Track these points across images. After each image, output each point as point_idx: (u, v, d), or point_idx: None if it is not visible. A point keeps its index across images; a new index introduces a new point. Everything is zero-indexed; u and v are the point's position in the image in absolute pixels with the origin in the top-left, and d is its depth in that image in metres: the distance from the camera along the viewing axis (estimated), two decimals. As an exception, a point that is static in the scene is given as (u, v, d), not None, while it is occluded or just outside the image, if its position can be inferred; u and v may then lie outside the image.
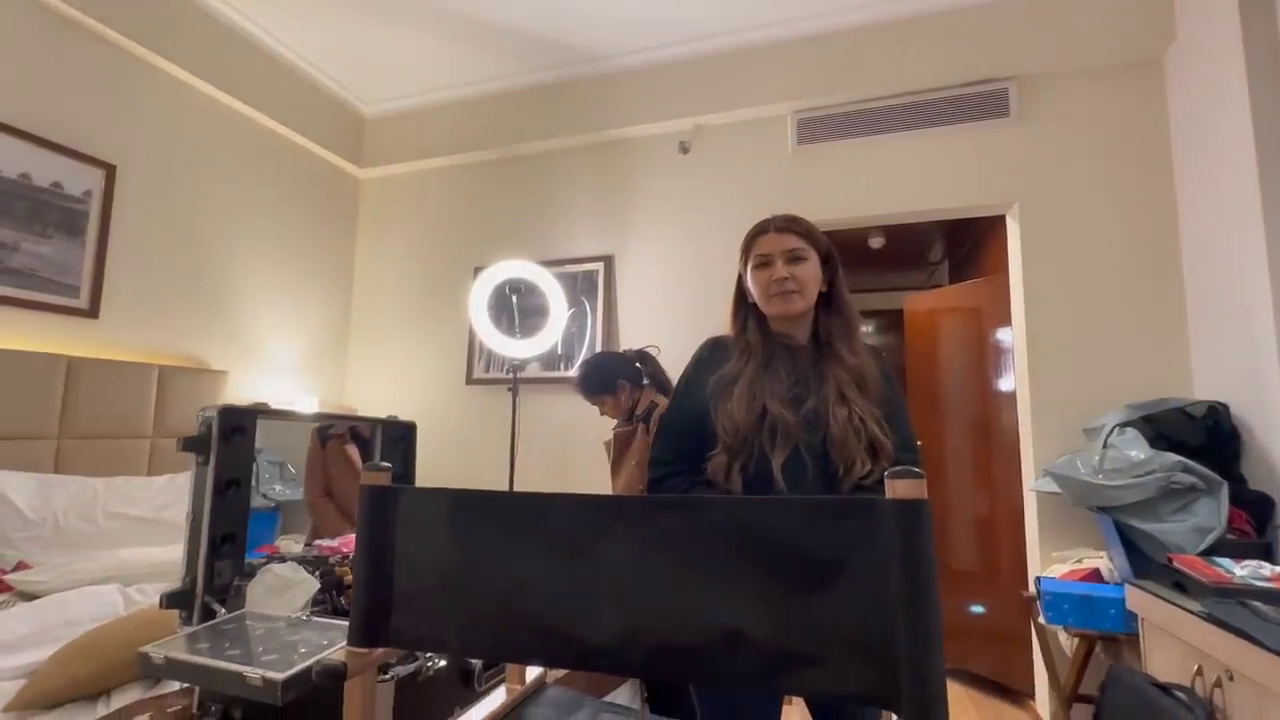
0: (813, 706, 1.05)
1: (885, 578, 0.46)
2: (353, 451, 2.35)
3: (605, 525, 0.55)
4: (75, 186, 2.27)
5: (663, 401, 1.95)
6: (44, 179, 2.18)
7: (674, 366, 2.04)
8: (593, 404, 2.15)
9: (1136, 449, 1.83)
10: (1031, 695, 2.46)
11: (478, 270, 2.93)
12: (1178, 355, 2.23)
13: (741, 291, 1.20)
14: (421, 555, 0.60)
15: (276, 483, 2.86)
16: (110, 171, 2.37)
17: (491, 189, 3.33)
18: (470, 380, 3.17)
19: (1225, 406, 1.97)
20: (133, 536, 2.03)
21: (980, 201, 2.54)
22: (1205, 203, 2.15)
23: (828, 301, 1.18)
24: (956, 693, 2.66)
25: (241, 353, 2.89)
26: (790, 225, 1.13)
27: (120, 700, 1.22)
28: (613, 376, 2.07)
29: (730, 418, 1.05)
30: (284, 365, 3.09)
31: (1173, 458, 1.76)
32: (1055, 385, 2.34)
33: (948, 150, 2.57)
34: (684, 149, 2.94)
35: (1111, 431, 1.95)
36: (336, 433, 2.33)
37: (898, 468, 0.47)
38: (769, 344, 1.15)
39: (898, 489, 0.46)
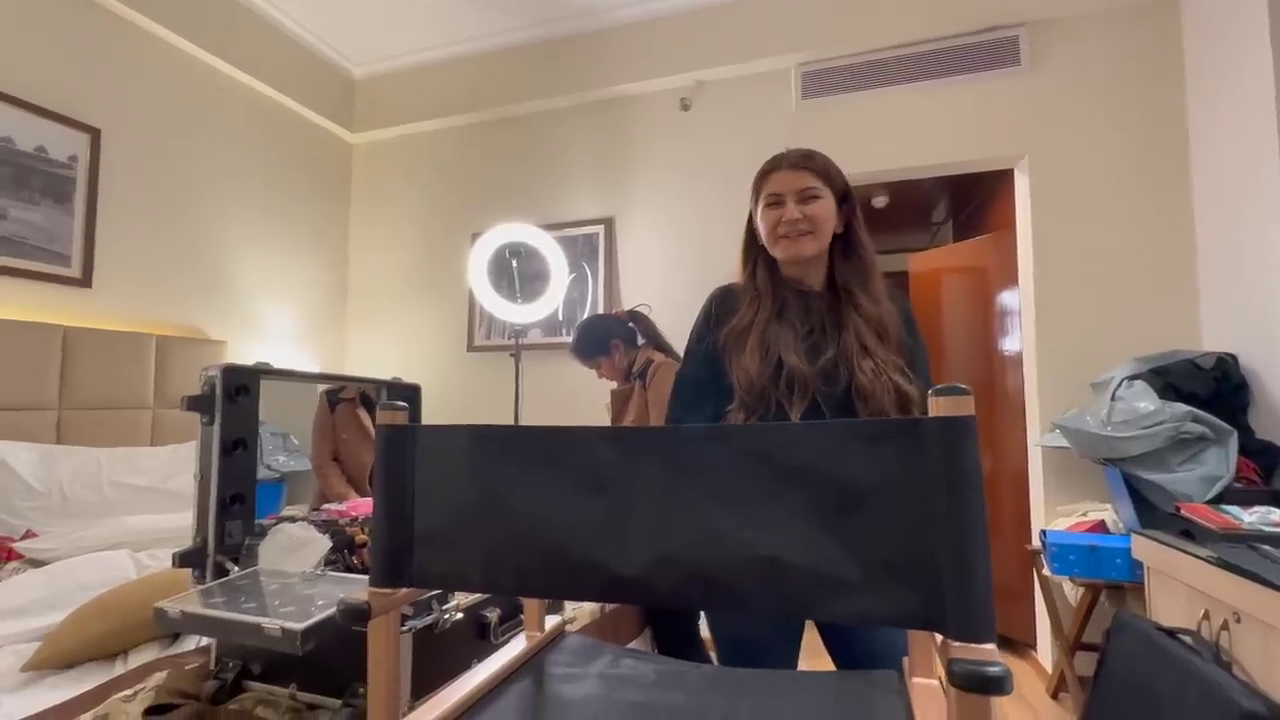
0: (830, 643, 1.05)
1: (929, 498, 0.45)
2: (364, 415, 2.34)
3: (631, 458, 0.54)
4: (60, 151, 2.21)
5: (658, 357, 1.94)
6: (27, 143, 2.12)
7: (677, 328, 2.02)
8: (589, 367, 2.12)
9: (1145, 400, 1.82)
10: (1034, 646, 2.50)
11: (475, 236, 2.88)
12: (1187, 307, 2.21)
13: (752, 234, 1.15)
14: (442, 493, 0.58)
15: (280, 454, 2.86)
16: (95, 135, 2.30)
17: (488, 152, 3.25)
18: (471, 347, 3.15)
19: (1234, 357, 1.96)
20: (138, 505, 2.03)
21: (989, 155, 2.48)
22: (1220, 150, 2.11)
23: (844, 245, 1.12)
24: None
25: (239, 322, 2.86)
26: (804, 161, 1.07)
27: (137, 660, 1.22)
28: (605, 337, 2.04)
29: (745, 371, 1.02)
30: (283, 334, 3.06)
31: (1182, 408, 1.76)
32: (1063, 341, 2.33)
33: (956, 103, 2.51)
34: (685, 106, 2.86)
35: (1120, 384, 1.94)
36: (346, 396, 2.32)
37: (942, 385, 0.45)
38: (779, 290, 1.10)
39: (942, 405, 0.44)
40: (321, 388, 2.46)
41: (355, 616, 0.55)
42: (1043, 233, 2.39)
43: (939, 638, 0.44)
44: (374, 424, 1.88)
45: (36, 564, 1.61)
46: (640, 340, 2.07)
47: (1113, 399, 1.90)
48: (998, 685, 0.39)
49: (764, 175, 1.11)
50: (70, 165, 2.23)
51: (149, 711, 0.93)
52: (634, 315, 2.12)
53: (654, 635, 1.74)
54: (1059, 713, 2.11)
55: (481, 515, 0.57)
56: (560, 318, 2.94)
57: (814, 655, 1.13)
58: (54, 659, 1.19)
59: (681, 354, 1.97)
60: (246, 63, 2.86)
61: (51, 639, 1.22)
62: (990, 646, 0.41)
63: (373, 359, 3.37)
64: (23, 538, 1.75)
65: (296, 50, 3.13)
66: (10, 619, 1.34)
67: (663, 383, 1.85)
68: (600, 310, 2.90)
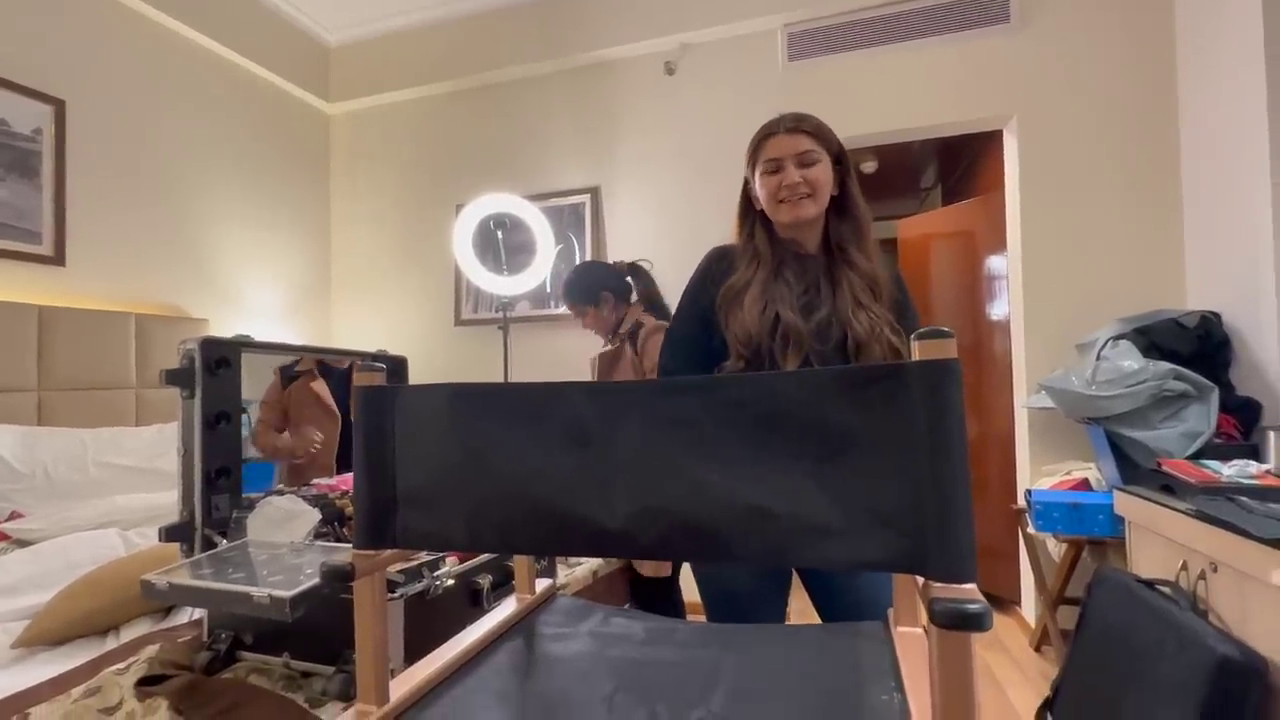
0: (816, 598, 1.07)
1: (912, 443, 0.45)
2: (320, 387, 2.22)
3: (614, 412, 0.53)
4: (23, 124, 2.13)
5: (649, 321, 1.85)
6: (-12, 116, 2.04)
7: (667, 297, 2.00)
8: (575, 315, 2.00)
9: (1129, 360, 1.84)
10: (1018, 603, 2.57)
11: (459, 208, 2.83)
12: (1172, 267, 2.22)
13: (748, 198, 1.15)
14: (423, 453, 0.58)
15: (270, 433, 2.84)
16: (60, 107, 2.22)
17: (468, 121, 3.18)
18: (459, 321, 3.12)
19: (1217, 315, 1.98)
20: (125, 485, 2.01)
21: (978, 115, 2.46)
22: (1209, 109, 2.10)
23: (839, 205, 1.13)
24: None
25: (220, 300, 2.81)
26: (800, 125, 1.07)
27: (129, 635, 1.22)
28: (597, 286, 1.93)
29: (742, 326, 1.02)
30: (266, 312, 3.01)
31: (1165, 366, 1.78)
32: (1049, 303, 2.34)
33: (944, 62, 2.47)
34: (670, 70, 2.80)
35: (1105, 345, 1.95)
36: (302, 369, 2.19)
37: (924, 329, 0.44)
38: (778, 251, 1.12)
39: (925, 349, 0.44)
40: (277, 364, 2.38)
41: (339, 577, 0.55)
42: (1031, 194, 2.38)
43: (921, 581, 0.44)
44: (331, 394, 1.82)
45: (24, 544, 1.60)
46: (634, 298, 1.97)
47: (1097, 359, 1.92)
48: (976, 622, 0.39)
49: (760, 141, 1.10)
50: (35, 139, 2.16)
51: (141, 682, 0.93)
52: (635, 269, 2.00)
53: (634, 604, 1.76)
54: (1041, 665, 2.18)
55: (464, 473, 0.56)
56: (548, 290, 2.91)
57: (801, 617, 1.15)
58: (44, 635, 1.19)
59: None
60: (215, 30, 2.76)
61: (41, 616, 1.21)
62: (971, 586, 0.42)
63: (359, 335, 3.33)
64: (8, 519, 1.73)
65: (268, 16, 3.02)
66: (1, 598, 1.34)
67: (655, 350, 1.81)
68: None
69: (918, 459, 0.44)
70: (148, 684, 0.94)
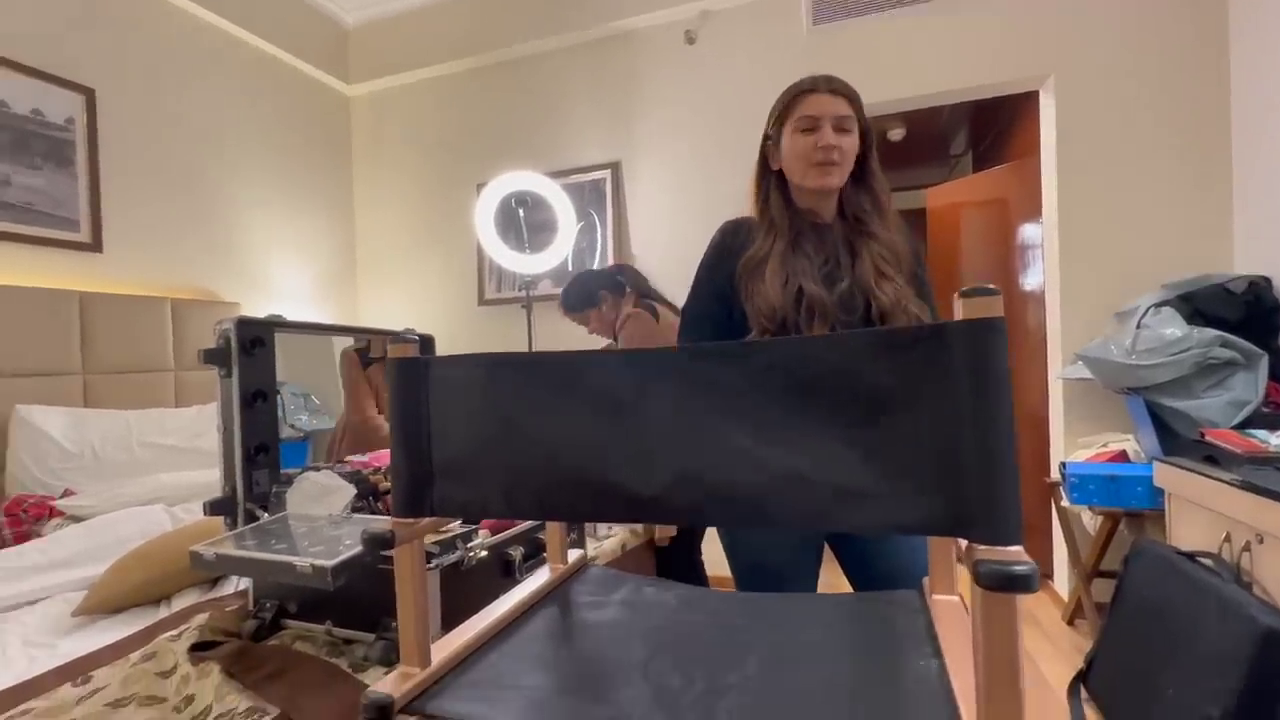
0: (847, 567, 1.07)
1: (954, 404, 0.43)
2: None
3: (648, 379, 0.53)
4: (56, 113, 2.17)
5: (629, 309, 1.91)
6: (23, 106, 2.08)
7: (688, 271, 1.97)
8: (578, 322, 2.13)
9: (1172, 327, 1.78)
10: (1050, 576, 2.54)
11: (480, 187, 2.83)
12: (1219, 231, 2.13)
13: (765, 162, 1.12)
14: (458, 423, 0.58)
15: (303, 413, 2.91)
16: (90, 95, 2.26)
17: (487, 99, 3.16)
18: (483, 301, 3.14)
19: (1268, 280, 1.89)
20: (168, 464, 2.09)
21: (1012, 76, 2.36)
22: (1263, 63, 1.98)
23: (858, 177, 1.10)
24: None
25: (250, 284, 2.86)
26: (837, 87, 1.03)
27: (179, 604, 1.27)
28: (594, 288, 2.04)
29: (764, 299, 1.00)
30: (295, 294, 3.06)
31: (1211, 333, 1.71)
32: (1087, 271, 2.26)
33: (976, 21, 2.37)
34: (690, 39, 2.73)
35: (1146, 312, 1.89)
36: (376, 356, 2.36)
37: (969, 287, 0.43)
38: (795, 222, 1.09)
39: (970, 308, 0.42)
40: (344, 347, 2.49)
41: (379, 544, 0.56)
42: (1068, 158, 2.29)
43: (963, 544, 0.43)
44: None
45: (76, 520, 1.67)
46: (627, 291, 2.04)
47: (1138, 327, 1.86)
48: (1024, 583, 0.38)
49: (795, 97, 1.06)
50: (68, 128, 2.20)
51: (193, 648, 0.97)
52: (620, 268, 2.12)
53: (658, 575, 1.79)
54: (1074, 638, 2.15)
55: (499, 442, 0.56)
56: (570, 268, 2.91)
57: (831, 590, 1.15)
58: (101, 605, 1.25)
59: (671, 302, 1.95)
60: (235, 12, 2.77)
61: (97, 586, 1.27)
62: (1017, 549, 0.41)
63: (385, 316, 3.37)
64: (61, 496, 1.81)
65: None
66: (57, 570, 1.41)
67: (631, 335, 1.84)
68: (610, 259, 2.86)
69: (961, 421, 0.43)
70: (200, 649, 0.98)
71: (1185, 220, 2.16)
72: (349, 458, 1.95)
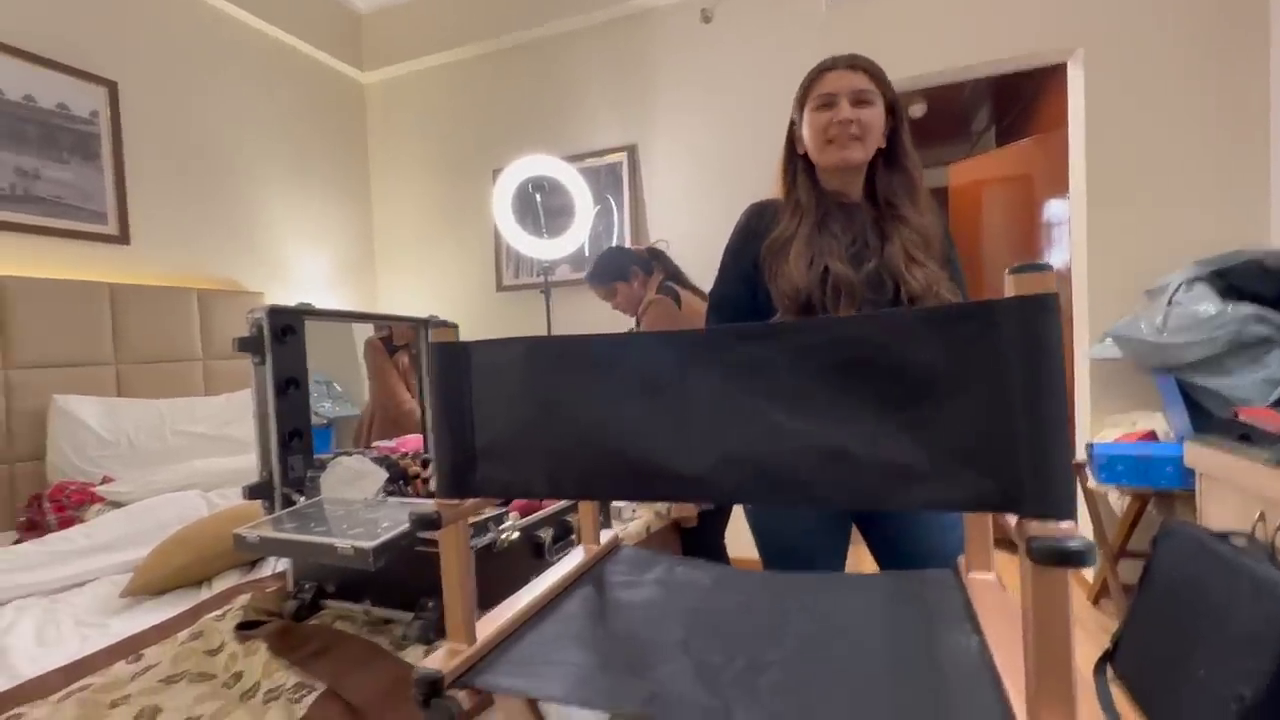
0: (876, 550, 1.07)
1: (1004, 381, 0.43)
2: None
3: (690, 360, 0.53)
4: (81, 107, 2.20)
5: (652, 294, 1.89)
6: (49, 101, 2.11)
7: (706, 256, 1.95)
8: (604, 297, 2.09)
9: (1206, 304, 1.74)
10: (1073, 557, 2.52)
11: (496, 173, 2.82)
12: (1256, 205, 2.07)
13: (792, 144, 1.11)
14: (500, 406, 0.59)
15: (325, 400, 2.96)
16: (112, 89, 2.28)
17: (501, 83, 3.14)
18: (501, 287, 3.15)
19: (1306, 254, 1.84)
20: (199, 451, 2.14)
21: (1039, 49, 2.29)
22: (1303, 25, 1.91)
23: (889, 156, 1.08)
24: (1000, 560, 2.74)
25: (272, 273, 2.90)
26: (857, 62, 1.02)
27: (220, 586, 1.31)
28: (625, 264, 2.00)
29: (789, 280, 1.00)
30: (316, 283, 3.10)
31: (1246, 309, 1.67)
32: (1116, 248, 2.21)
33: (1003, -9, 2.30)
34: (706, 18, 2.69)
35: (1178, 289, 1.85)
36: (400, 344, 2.40)
37: (1021, 264, 0.42)
38: (822, 202, 1.08)
39: (1021, 284, 0.42)
40: (368, 335, 2.53)
41: (427, 525, 0.57)
42: (1098, 132, 2.23)
43: (1012, 520, 0.43)
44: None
45: (115, 505, 1.72)
46: (656, 275, 2.02)
47: (1169, 304, 1.82)
48: (1079, 558, 0.38)
49: (814, 77, 1.05)
50: (93, 121, 2.23)
51: (239, 627, 1.01)
52: (653, 251, 2.09)
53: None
54: (1100, 619, 2.15)
55: (540, 424, 0.57)
56: (587, 253, 2.90)
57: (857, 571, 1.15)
58: (147, 586, 1.29)
59: (699, 288, 1.94)
60: (251, 2, 2.78)
61: (141, 569, 1.32)
62: (1070, 524, 0.41)
63: (404, 304, 3.40)
64: (101, 483, 1.86)
65: (299, -14, 3.02)
66: (101, 554, 1.45)
67: (653, 320, 1.84)
68: (627, 243, 2.85)
69: (1012, 397, 0.43)
70: (244, 629, 1.01)
71: (1219, 194, 2.10)
72: (377, 443, 1.98)
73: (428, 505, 0.60)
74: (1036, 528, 0.41)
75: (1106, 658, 1.59)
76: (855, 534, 1.12)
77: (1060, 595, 0.41)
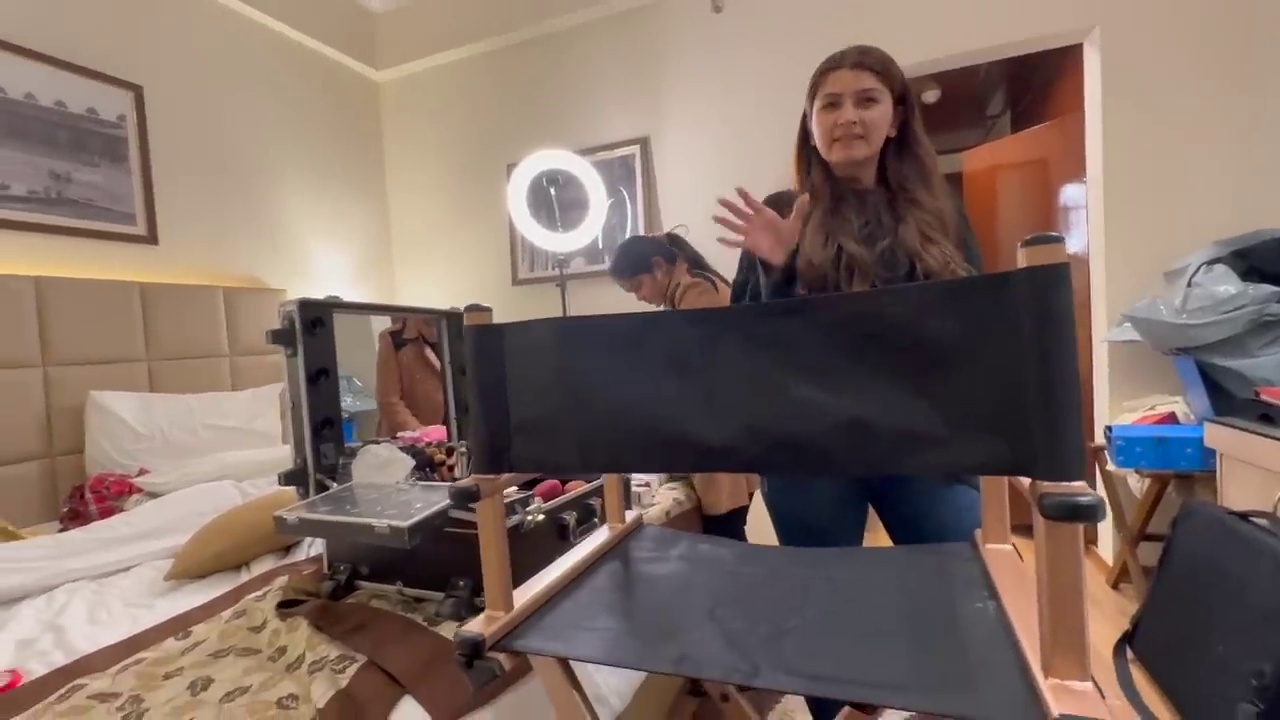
0: (892, 525, 1.09)
1: (1018, 348, 0.45)
2: (430, 354, 2.47)
3: (715, 337, 0.56)
4: (109, 111, 2.26)
5: (686, 279, 1.90)
6: (78, 105, 2.18)
7: (723, 246, 1.98)
8: (628, 289, 2.08)
9: (1226, 284, 1.73)
10: (1094, 541, 2.52)
11: (511, 167, 2.85)
12: (1276, 184, 2.04)
13: (805, 133, 1.13)
14: (533, 385, 0.62)
15: (346, 395, 3.02)
16: (138, 93, 2.34)
17: (513, 78, 3.17)
18: (517, 281, 3.19)
19: (1330, 233, 1.82)
20: (229, 444, 2.20)
21: (1054, 29, 2.27)
22: (1326, -1, 1.88)
23: (900, 146, 1.09)
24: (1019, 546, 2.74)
25: (293, 270, 2.96)
26: (865, 59, 1.03)
27: (258, 569, 1.36)
28: (647, 254, 2.00)
29: (804, 257, 1.02)
30: (336, 279, 3.16)
31: (1267, 289, 1.66)
32: (1134, 230, 2.19)
33: (1017, -27, 2.28)
34: (716, 8, 2.69)
35: (1197, 270, 1.83)
36: (409, 337, 2.44)
37: (1032, 235, 0.44)
38: (835, 188, 1.10)
39: (1033, 255, 0.44)
40: (381, 329, 2.58)
41: (467, 497, 0.61)
42: (1115, 112, 2.21)
43: (1026, 483, 0.46)
44: (439, 360, 1.94)
45: (154, 495, 1.79)
46: (679, 262, 2.02)
47: (1189, 285, 1.81)
48: (1090, 513, 0.40)
49: (822, 75, 1.07)
50: (120, 125, 2.29)
51: (280, 606, 1.05)
52: (672, 237, 2.09)
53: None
54: (1120, 602, 2.14)
55: (572, 401, 0.60)
56: (600, 245, 2.93)
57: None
58: (188, 571, 1.35)
59: (720, 273, 1.96)
60: (267, 3, 2.83)
61: (183, 555, 1.37)
62: (1081, 483, 0.43)
63: (422, 298, 3.45)
64: (138, 475, 1.93)
65: (314, -13, 3.06)
66: (143, 541, 1.51)
67: (694, 301, 1.84)
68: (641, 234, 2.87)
69: (1024, 362, 0.45)
70: (284, 608, 1.06)
71: (1239, 174, 2.07)
72: (401, 433, 2.03)
73: (464, 482, 0.64)
74: (1048, 486, 0.43)
75: (1126, 639, 1.60)
76: (872, 518, 1.14)
77: (1072, 549, 0.43)
